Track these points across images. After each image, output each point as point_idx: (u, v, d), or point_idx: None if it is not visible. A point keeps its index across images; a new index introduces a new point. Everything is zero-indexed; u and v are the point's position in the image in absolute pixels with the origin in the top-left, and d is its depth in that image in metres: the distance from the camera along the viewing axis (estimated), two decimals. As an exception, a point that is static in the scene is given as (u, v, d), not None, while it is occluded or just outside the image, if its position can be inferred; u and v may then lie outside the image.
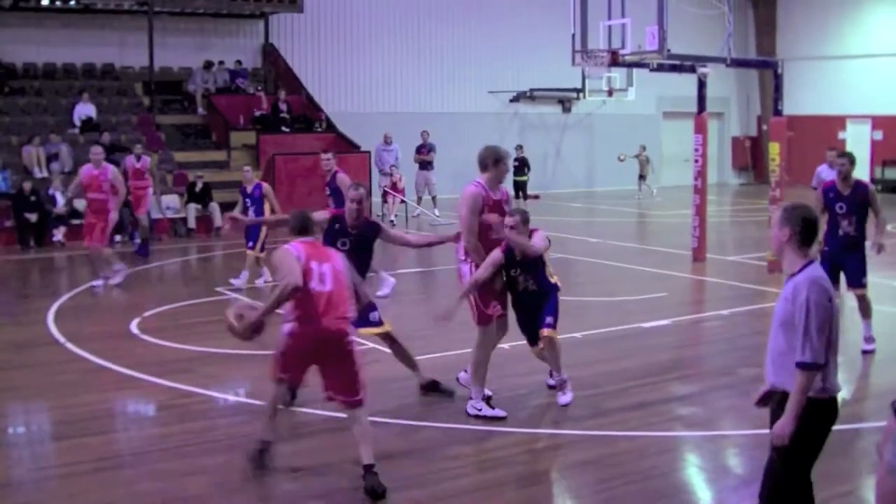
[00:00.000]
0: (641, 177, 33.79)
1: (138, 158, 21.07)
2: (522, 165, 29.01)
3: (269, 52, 30.68)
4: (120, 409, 10.10)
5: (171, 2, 27.54)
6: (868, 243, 12.11)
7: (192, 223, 23.85)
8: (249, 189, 17.06)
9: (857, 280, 12.16)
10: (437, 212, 27.04)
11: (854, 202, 12.05)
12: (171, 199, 24.44)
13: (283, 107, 28.37)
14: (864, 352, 12.09)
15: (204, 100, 28.50)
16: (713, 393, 10.52)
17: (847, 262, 12.13)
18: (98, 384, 10.74)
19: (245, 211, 16.86)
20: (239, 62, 29.80)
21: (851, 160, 12.17)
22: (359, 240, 9.91)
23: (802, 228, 5.53)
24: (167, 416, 9.62)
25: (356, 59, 32.19)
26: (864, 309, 12.25)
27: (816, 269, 5.51)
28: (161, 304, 15.06)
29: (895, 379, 11.09)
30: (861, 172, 36.82)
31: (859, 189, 12.13)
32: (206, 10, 28.86)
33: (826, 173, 16.14)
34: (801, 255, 5.54)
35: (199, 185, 24.00)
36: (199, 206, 23.96)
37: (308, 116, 29.15)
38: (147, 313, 14.36)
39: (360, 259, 9.69)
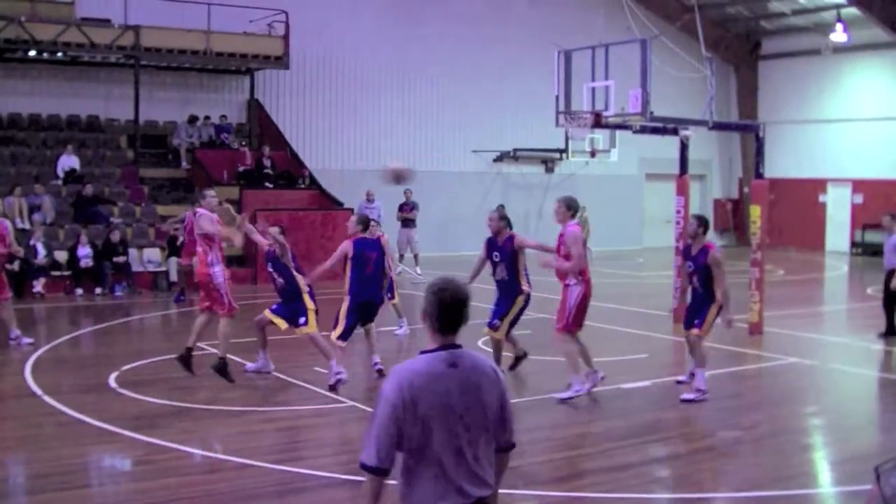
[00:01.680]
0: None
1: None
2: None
3: (254, 108, 30.79)
4: (96, 464, 10.02)
5: (158, 56, 27.64)
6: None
7: (173, 276, 23.74)
8: None
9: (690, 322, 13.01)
10: (419, 269, 27.04)
11: (697, 264, 12.89)
12: (153, 253, 24.39)
13: (267, 162, 28.43)
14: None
15: (188, 154, 28.53)
16: (693, 455, 10.48)
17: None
18: (74, 438, 10.64)
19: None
20: (224, 117, 29.90)
21: (700, 222, 13.01)
22: None
23: (436, 310, 4.67)
24: (143, 472, 9.53)
25: (340, 117, 32.34)
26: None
27: (419, 359, 4.69)
28: (140, 358, 14.98)
29: (875, 442, 11.08)
30: (841, 235, 37.44)
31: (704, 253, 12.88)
32: (193, 65, 29.01)
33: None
34: (431, 338, 4.74)
35: (181, 239, 23.93)
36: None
37: (291, 172, 29.20)
38: (126, 367, 14.27)
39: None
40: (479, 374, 4.66)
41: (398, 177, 12.53)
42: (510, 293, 13.18)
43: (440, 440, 4.56)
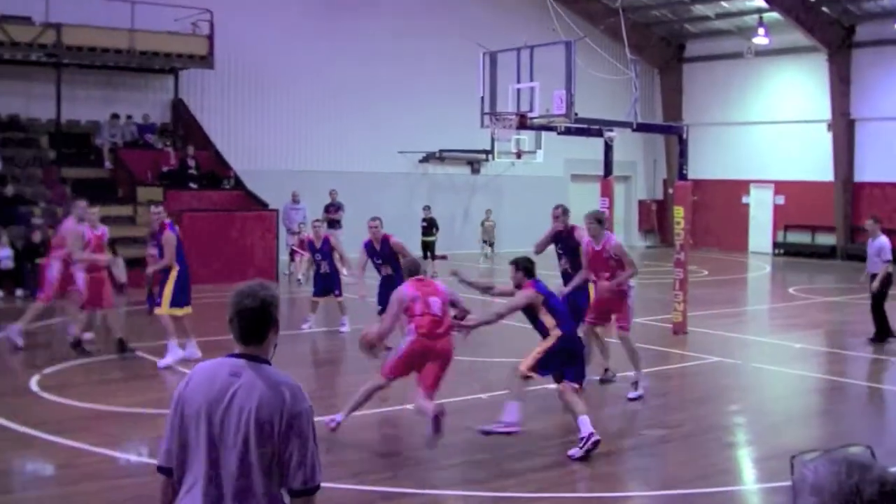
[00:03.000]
0: (488, 242, 34.41)
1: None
2: (431, 226, 29.11)
3: (179, 108, 30.53)
4: (17, 469, 9.88)
5: (80, 54, 27.27)
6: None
7: (122, 277, 23.38)
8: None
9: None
10: (345, 271, 26.94)
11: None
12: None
13: (192, 163, 28.20)
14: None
15: (111, 154, 28.19)
16: (618, 454, 10.58)
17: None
18: (-5, 443, 10.50)
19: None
20: (147, 116, 29.60)
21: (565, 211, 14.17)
22: None
23: (232, 318, 4.41)
24: (65, 476, 9.43)
25: (266, 117, 32.17)
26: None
27: (214, 360, 4.49)
28: (64, 361, 14.78)
29: (797, 439, 11.24)
30: (763, 236, 38.00)
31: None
32: (116, 64, 28.64)
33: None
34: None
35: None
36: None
37: (216, 173, 28.98)
38: (48, 370, 14.09)
39: None
40: (260, 394, 4.20)
41: None
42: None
43: (195, 452, 4.25)
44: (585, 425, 9.99)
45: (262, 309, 4.32)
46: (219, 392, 4.23)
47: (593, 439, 9.88)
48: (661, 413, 12.51)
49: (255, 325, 4.33)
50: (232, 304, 4.34)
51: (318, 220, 21.13)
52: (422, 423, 10.39)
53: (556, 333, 10.42)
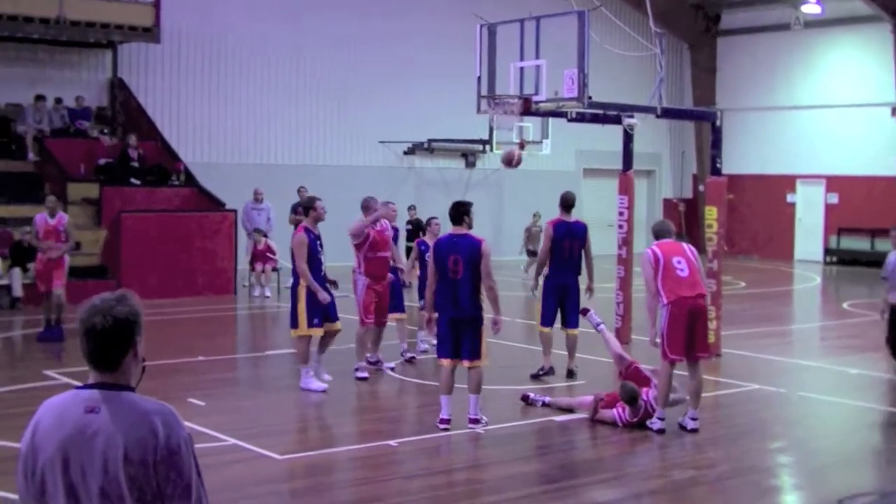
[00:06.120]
0: (531, 252, 30.99)
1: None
2: (417, 229, 28.90)
3: (118, 89, 30.45)
4: None
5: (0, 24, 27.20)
6: None
7: (17, 291, 23.39)
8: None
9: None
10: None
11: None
12: (-7, 263, 24.08)
13: (134, 154, 28.13)
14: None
15: (36, 143, 28.08)
16: (639, 499, 10.62)
17: None
18: None
19: None
20: (80, 100, 29.54)
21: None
22: None
23: (82, 339, 4.30)
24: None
25: (222, 101, 32.14)
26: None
27: (64, 395, 4.36)
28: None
29: (851, 483, 11.26)
30: (813, 242, 38.02)
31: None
32: (42, 36, 28.53)
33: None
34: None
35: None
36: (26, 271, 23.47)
37: (163, 167, 28.89)
38: None
39: None
40: (125, 431, 4.13)
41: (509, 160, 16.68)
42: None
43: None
44: None
45: (117, 329, 4.20)
46: (74, 434, 4.14)
47: None
48: (690, 451, 12.53)
49: (108, 349, 4.21)
50: (80, 321, 4.23)
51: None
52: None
53: None
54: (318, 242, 15.08)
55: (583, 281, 16.33)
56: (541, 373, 16.21)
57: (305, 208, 14.70)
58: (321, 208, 15.07)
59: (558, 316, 16.26)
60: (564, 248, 16.21)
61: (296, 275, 14.97)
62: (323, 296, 14.76)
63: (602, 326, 14.99)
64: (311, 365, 15.00)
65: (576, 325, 16.23)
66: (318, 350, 15.25)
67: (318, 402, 14.43)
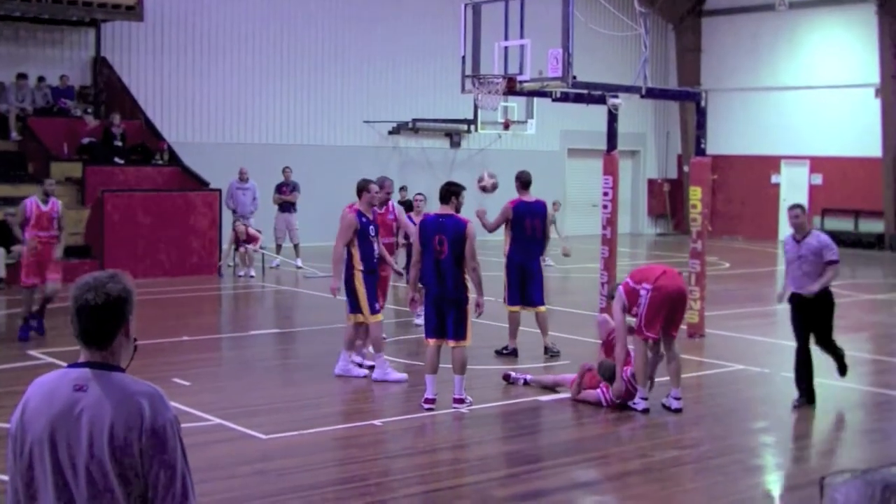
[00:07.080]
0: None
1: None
2: (408, 210, 28.84)
3: (101, 68, 30.35)
4: None
5: (-21, 2, 27.10)
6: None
7: (1, 272, 23.35)
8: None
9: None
10: (300, 262, 26.96)
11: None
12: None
13: (117, 133, 28.06)
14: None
15: (19, 123, 28.01)
16: (623, 479, 10.65)
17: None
18: None
19: None
20: (64, 78, 29.45)
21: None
22: None
23: (72, 316, 4.34)
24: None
25: (207, 80, 32.05)
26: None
27: (52, 373, 4.40)
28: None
29: (834, 463, 11.33)
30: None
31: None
32: (24, 14, 28.41)
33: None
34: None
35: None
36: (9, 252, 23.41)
37: (147, 146, 28.83)
38: None
39: None
40: (112, 410, 4.13)
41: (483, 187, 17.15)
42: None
43: (43, 487, 4.19)
44: None
45: (109, 306, 4.23)
46: (62, 412, 4.14)
47: None
48: (673, 431, 12.57)
49: (99, 326, 4.24)
50: (72, 298, 4.25)
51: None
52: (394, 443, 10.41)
53: None
54: (372, 227, 14.71)
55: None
56: (504, 352, 16.39)
57: (359, 190, 14.45)
58: (374, 191, 14.80)
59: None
60: (526, 227, 16.59)
61: (350, 265, 14.48)
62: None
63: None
64: (349, 353, 14.78)
65: (541, 303, 16.58)
66: (349, 342, 14.90)
67: (303, 381, 14.45)
